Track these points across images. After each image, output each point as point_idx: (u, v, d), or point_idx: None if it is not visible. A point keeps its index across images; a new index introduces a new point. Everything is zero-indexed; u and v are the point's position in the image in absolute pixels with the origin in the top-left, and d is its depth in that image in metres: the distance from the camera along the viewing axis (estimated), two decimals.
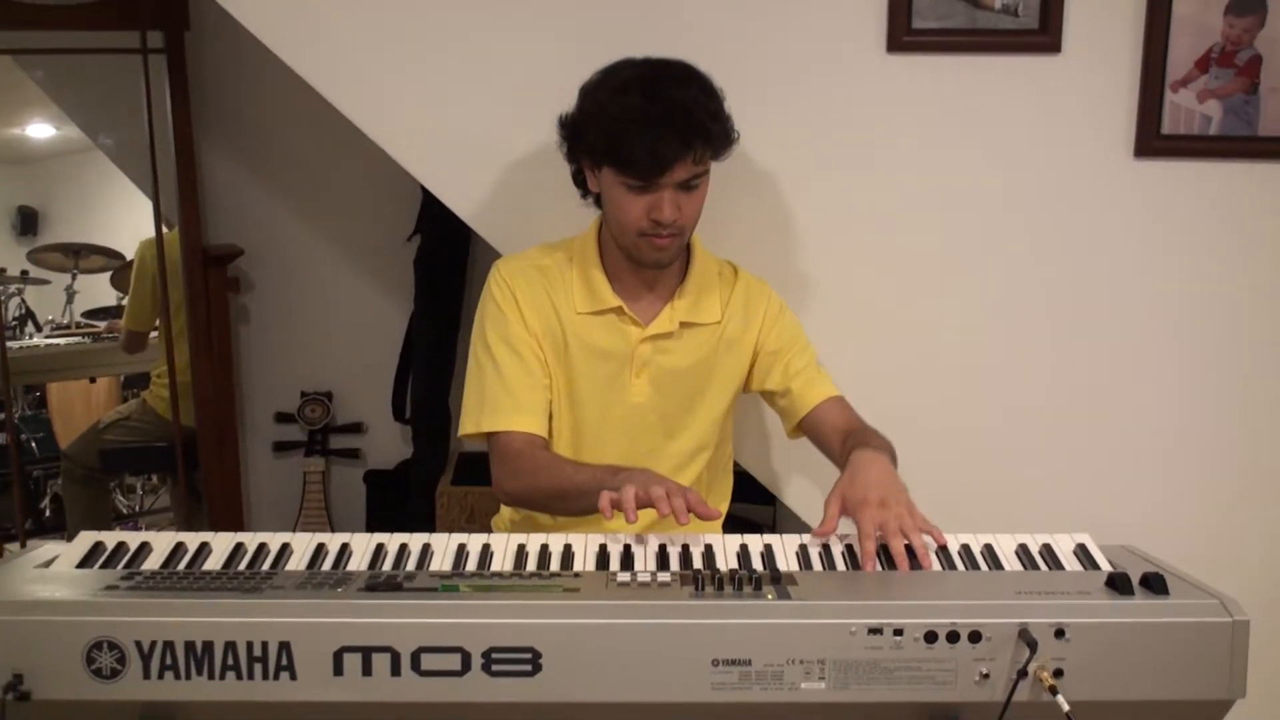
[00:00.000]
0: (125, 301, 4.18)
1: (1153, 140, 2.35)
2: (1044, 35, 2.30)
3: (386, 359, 3.61)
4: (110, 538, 1.61)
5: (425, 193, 3.45)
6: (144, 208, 4.58)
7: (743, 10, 2.32)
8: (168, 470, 4.49)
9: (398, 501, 3.62)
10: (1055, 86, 2.34)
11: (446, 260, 3.45)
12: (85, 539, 1.60)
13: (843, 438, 1.98)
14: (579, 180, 2.05)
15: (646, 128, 1.82)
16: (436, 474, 3.43)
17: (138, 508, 5.04)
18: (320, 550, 1.60)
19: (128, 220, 5.74)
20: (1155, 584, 1.45)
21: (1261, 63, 2.31)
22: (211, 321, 3.39)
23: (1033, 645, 1.36)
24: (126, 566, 1.55)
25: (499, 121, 2.35)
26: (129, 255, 5.21)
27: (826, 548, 1.63)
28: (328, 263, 3.61)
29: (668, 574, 1.50)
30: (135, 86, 3.38)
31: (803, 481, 2.50)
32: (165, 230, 3.92)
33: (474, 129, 2.36)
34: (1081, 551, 1.60)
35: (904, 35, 2.28)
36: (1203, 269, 2.44)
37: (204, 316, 3.38)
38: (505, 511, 2.18)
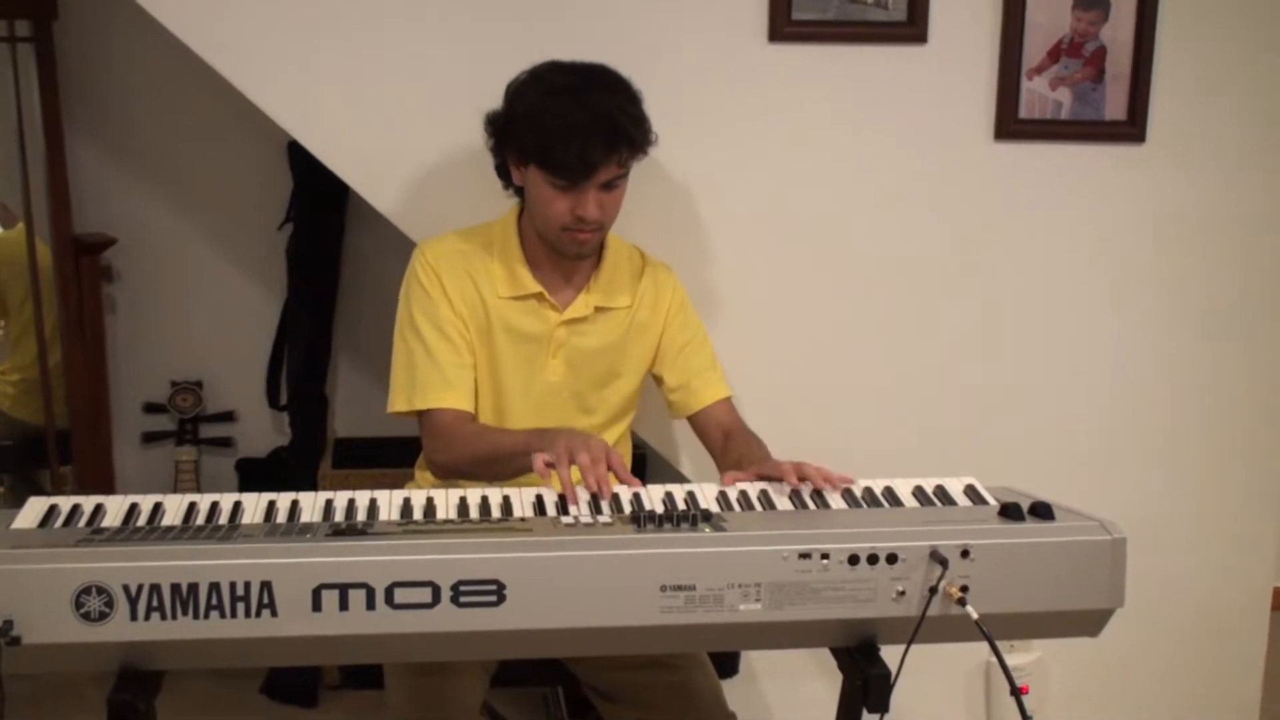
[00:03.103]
0: None
1: (1011, 124, 2.54)
2: (912, 27, 2.47)
3: (257, 347, 3.62)
4: (63, 501, 1.64)
5: (296, 182, 3.49)
6: None
7: (633, 3, 2.43)
8: (8, 469, 4.40)
9: (271, 488, 3.63)
10: (922, 75, 2.51)
11: (320, 248, 3.48)
12: (37, 504, 1.63)
13: (725, 434, 2.18)
14: (502, 173, 2.14)
15: (576, 134, 1.93)
16: (314, 458, 3.47)
17: None
18: (272, 506, 1.69)
19: None
20: (1043, 511, 1.64)
21: (1105, 53, 2.53)
22: (84, 312, 3.37)
23: (944, 563, 1.53)
24: (88, 525, 1.59)
25: (415, 115, 2.43)
26: None
27: (744, 493, 1.77)
28: (196, 252, 3.60)
29: (606, 516, 1.62)
30: None
31: (697, 450, 2.63)
32: (3, 228, 3.86)
33: (390, 122, 2.42)
34: (971, 491, 1.77)
35: (785, 26, 2.42)
36: (1055, 239, 2.63)
37: (75, 307, 3.35)
38: (423, 479, 2.25)
